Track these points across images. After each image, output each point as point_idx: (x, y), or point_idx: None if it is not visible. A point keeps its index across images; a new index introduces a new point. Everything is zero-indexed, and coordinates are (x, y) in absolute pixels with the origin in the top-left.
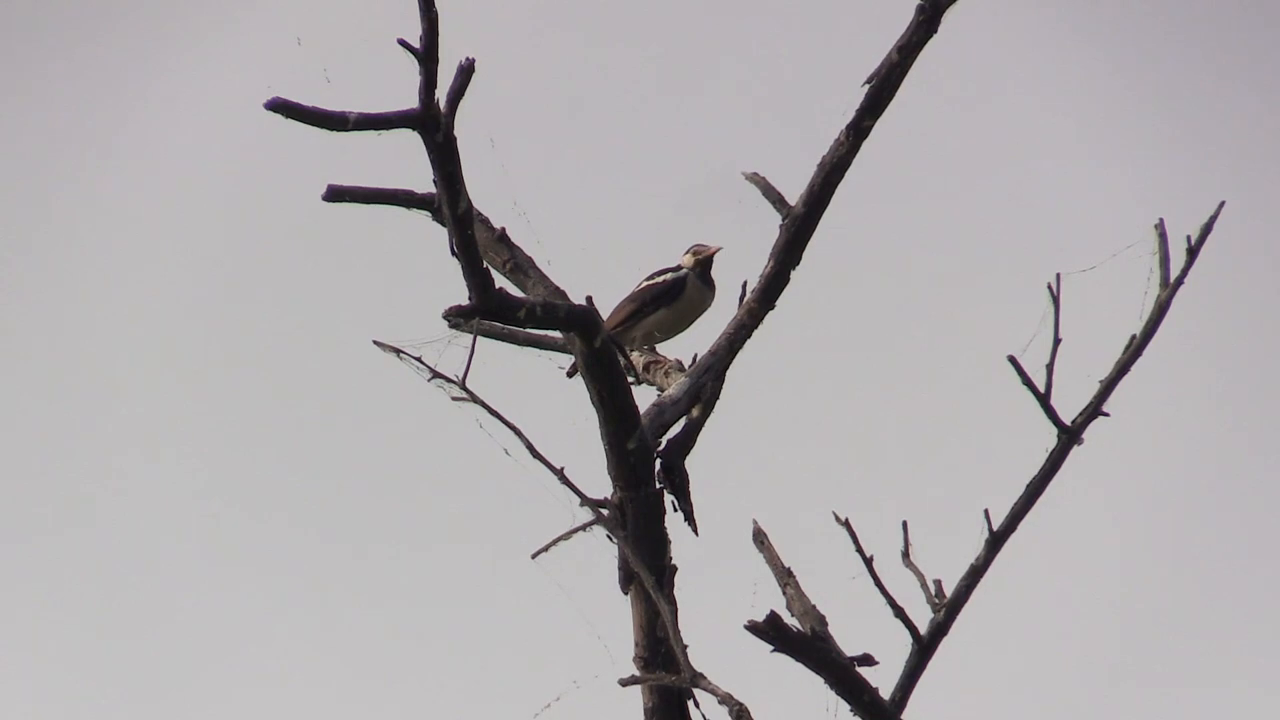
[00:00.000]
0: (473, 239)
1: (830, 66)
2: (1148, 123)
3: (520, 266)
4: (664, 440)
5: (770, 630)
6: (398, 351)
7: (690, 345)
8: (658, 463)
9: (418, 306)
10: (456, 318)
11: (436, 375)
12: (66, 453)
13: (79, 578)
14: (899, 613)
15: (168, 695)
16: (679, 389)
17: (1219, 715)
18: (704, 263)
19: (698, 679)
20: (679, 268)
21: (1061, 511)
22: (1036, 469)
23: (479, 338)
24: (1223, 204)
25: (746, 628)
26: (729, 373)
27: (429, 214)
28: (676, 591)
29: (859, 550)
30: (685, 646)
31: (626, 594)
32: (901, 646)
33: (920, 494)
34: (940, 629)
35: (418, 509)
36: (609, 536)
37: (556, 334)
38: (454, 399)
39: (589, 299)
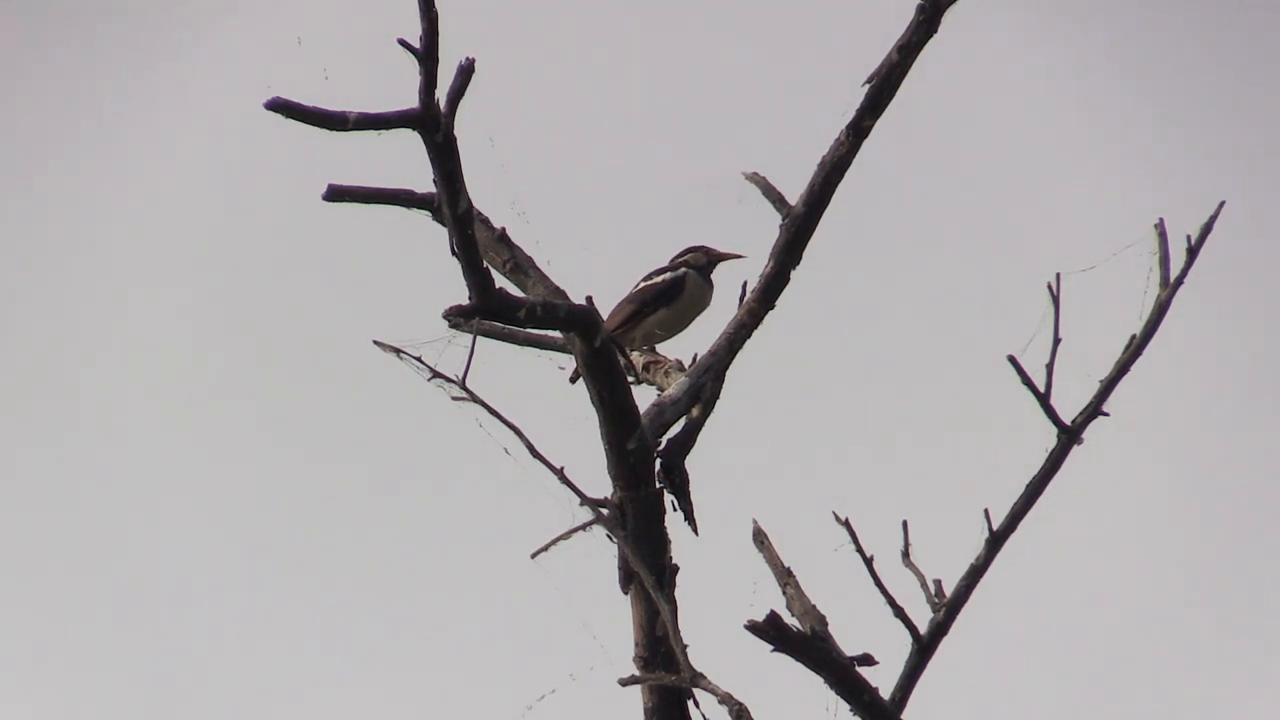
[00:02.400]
0: (473, 239)
1: (830, 66)
2: (1148, 123)
3: (520, 266)
4: (664, 440)
5: (770, 630)
6: (398, 351)
7: (690, 345)
8: (658, 463)
9: (418, 306)
10: (456, 318)
11: (436, 375)
12: (66, 452)
13: (76, 580)
14: (899, 613)
15: (168, 693)
16: (679, 389)
17: (1219, 715)
18: (711, 263)
19: (698, 679)
20: (676, 267)
21: (1061, 511)
22: (1036, 469)
23: (479, 338)
24: (1223, 204)
25: (746, 628)
26: (729, 373)
27: (429, 214)
28: (676, 591)
29: (859, 550)
30: (685, 646)
31: (626, 594)
32: (901, 646)
33: (920, 494)
34: (940, 629)
35: (418, 508)
36: (609, 536)
37: (556, 334)
38: (454, 399)
39: (589, 299)
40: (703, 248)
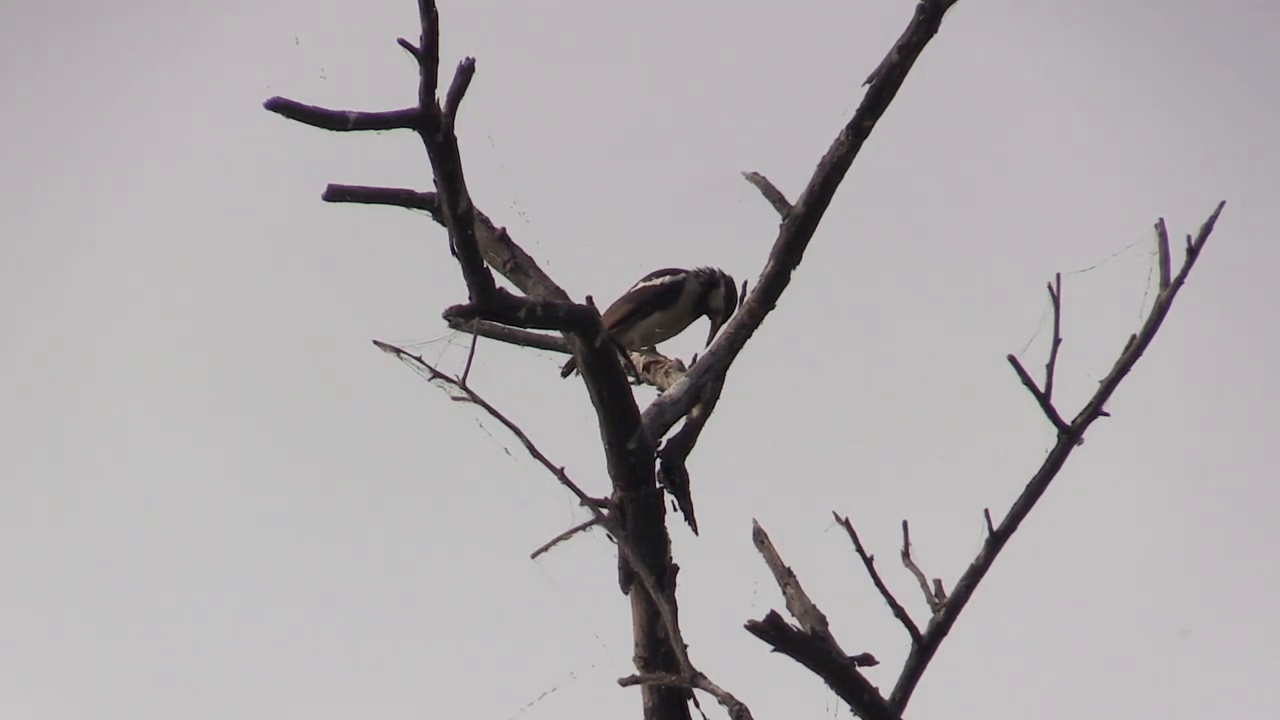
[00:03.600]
0: (473, 239)
1: (830, 66)
2: (1148, 123)
3: (520, 266)
4: (664, 440)
5: (770, 630)
6: (398, 351)
7: (690, 345)
8: (658, 463)
9: (418, 306)
10: (456, 318)
11: (436, 375)
12: (65, 453)
13: (75, 580)
14: (899, 613)
15: (168, 692)
16: (679, 389)
17: (1219, 714)
18: (704, 284)
19: (698, 679)
20: (677, 271)
21: (1061, 511)
22: (1036, 469)
23: (479, 338)
24: (1223, 204)
25: (746, 628)
26: (729, 373)
27: (429, 214)
28: (676, 591)
29: (859, 550)
30: (685, 646)
31: (626, 594)
32: (901, 646)
33: (920, 494)
34: (940, 629)
35: (418, 509)
36: (609, 536)
37: (556, 334)
38: (454, 399)
39: (589, 299)
40: (720, 276)
